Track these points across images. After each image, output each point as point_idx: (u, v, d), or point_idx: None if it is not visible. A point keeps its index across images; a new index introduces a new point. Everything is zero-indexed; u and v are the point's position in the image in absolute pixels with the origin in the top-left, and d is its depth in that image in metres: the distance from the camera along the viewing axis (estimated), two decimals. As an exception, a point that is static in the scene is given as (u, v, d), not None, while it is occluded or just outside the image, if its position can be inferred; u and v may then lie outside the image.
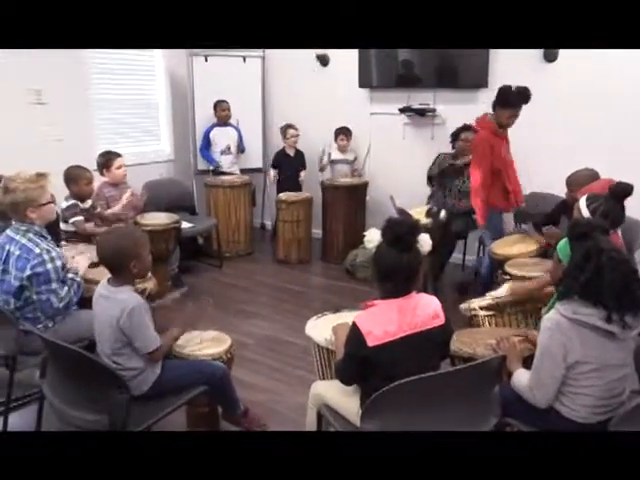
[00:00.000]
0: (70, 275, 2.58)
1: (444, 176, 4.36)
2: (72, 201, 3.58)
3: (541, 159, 4.13)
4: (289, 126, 5.34)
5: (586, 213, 2.42)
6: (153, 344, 2.06)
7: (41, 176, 2.52)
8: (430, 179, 4.52)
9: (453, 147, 4.42)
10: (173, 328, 2.24)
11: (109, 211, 3.85)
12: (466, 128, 4.31)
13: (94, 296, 2.13)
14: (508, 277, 2.96)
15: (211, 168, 5.37)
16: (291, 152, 5.38)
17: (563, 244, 2.06)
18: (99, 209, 3.79)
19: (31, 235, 2.46)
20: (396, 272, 1.80)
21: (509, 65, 4.28)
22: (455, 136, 4.39)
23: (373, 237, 3.13)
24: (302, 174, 5.34)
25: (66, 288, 2.51)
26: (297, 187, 5.27)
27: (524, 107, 3.50)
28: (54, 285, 2.44)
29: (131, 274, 2.08)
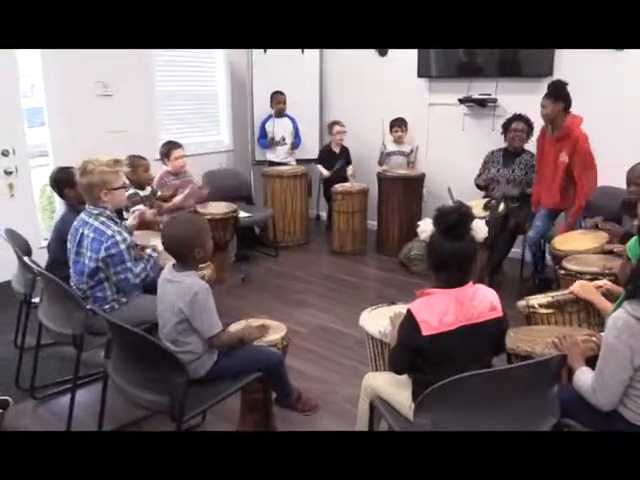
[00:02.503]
0: (148, 251, 2.72)
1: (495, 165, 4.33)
2: (132, 190, 3.71)
3: (610, 151, 3.94)
4: (335, 122, 5.36)
5: None
6: (215, 328, 2.12)
7: (117, 162, 2.66)
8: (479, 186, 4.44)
9: (505, 139, 4.31)
10: (244, 333, 2.31)
11: (174, 201, 3.96)
12: (517, 118, 4.22)
13: (159, 280, 2.21)
14: (563, 272, 2.90)
15: (268, 159, 5.44)
16: (337, 149, 5.41)
17: (633, 242, 1.99)
18: (159, 193, 3.90)
19: (103, 219, 2.58)
20: (450, 261, 1.77)
21: (576, 52, 4.08)
22: (506, 127, 4.28)
23: (426, 227, 3.11)
24: (350, 169, 5.36)
25: (141, 265, 2.63)
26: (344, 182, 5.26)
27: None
28: (129, 264, 2.56)
29: (195, 260, 2.15)
